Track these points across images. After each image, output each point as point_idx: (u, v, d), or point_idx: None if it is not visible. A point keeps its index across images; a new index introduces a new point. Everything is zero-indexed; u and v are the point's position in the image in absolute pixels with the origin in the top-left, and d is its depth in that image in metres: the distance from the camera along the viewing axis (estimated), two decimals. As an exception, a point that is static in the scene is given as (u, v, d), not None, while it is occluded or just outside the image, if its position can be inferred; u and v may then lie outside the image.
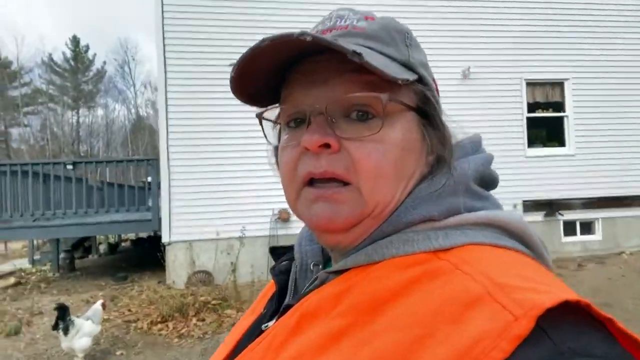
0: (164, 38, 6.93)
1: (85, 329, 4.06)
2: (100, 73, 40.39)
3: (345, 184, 0.47)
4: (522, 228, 0.47)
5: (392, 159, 0.47)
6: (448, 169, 0.49)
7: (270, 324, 0.51)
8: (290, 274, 0.59)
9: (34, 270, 9.23)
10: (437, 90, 0.54)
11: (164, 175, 6.91)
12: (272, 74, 0.50)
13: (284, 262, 0.63)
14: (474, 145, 0.55)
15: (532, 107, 8.17)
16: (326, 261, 0.58)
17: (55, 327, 4.01)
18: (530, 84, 8.15)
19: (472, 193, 0.50)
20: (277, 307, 0.56)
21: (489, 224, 0.46)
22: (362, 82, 0.47)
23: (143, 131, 40.24)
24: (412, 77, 0.48)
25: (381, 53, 0.48)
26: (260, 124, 0.54)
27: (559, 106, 8.27)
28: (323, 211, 0.48)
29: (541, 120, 8.30)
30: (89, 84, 40.06)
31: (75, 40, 39.63)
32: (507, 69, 7.93)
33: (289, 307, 0.49)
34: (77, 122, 39.20)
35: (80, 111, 39.36)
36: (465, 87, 7.67)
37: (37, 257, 10.37)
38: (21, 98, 36.10)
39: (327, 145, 0.47)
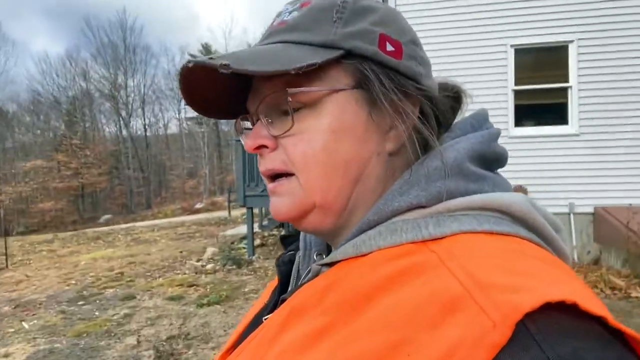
0: None
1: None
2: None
3: (290, 175, 0.49)
4: (525, 211, 0.43)
5: (319, 146, 0.47)
6: (439, 150, 0.47)
7: (270, 316, 0.51)
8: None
9: (265, 234, 10.52)
10: (401, 53, 0.48)
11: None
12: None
13: (289, 252, 0.63)
14: (477, 121, 0.52)
15: (524, 79, 6.56)
16: (330, 250, 0.57)
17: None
18: (521, 51, 6.51)
19: (467, 174, 0.46)
20: (277, 298, 0.56)
21: (486, 208, 0.43)
22: (281, 81, 0.46)
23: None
24: (323, 58, 0.45)
25: (299, 43, 0.47)
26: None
27: (561, 77, 6.44)
28: (272, 203, 0.51)
29: (536, 94, 6.59)
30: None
31: (269, 30, 43.73)
32: (488, 34, 6.51)
33: (284, 300, 0.49)
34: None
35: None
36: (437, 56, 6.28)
37: (265, 222, 11.80)
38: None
39: (265, 146, 0.49)
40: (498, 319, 0.32)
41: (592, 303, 0.34)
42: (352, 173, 0.48)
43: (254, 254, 7.86)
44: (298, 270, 0.58)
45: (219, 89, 0.50)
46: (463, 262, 0.38)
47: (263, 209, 12.10)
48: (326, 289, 0.43)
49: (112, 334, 4.69)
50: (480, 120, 0.53)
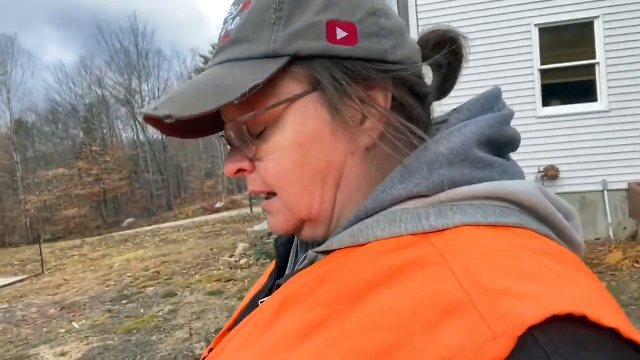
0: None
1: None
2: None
3: (275, 194, 0.48)
4: (534, 200, 0.41)
5: (288, 163, 0.45)
6: (447, 136, 0.43)
7: (266, 300, 0.50)
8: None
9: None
10: (356, 36, 0.44)
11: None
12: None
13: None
14: (489, 102, 0.48)
15: (550, 58, 6.46)
16: None
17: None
18: (545, 30, 6.43)
19: (474, 161, 0.43)
20: (274, 282, 0.54)
21: (492, 197, 0.41)
22: (235, 108, 0.45)
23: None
24: (266, 74, 0.42)
25: (243, 59, 0.44)
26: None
27: (587, 54, 6.32)
28: (268, 221, 0.51)
29: (563, 72, 6.50)
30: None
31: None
32: (512, 15, 6.40)
33: (279, 285, 0.48)
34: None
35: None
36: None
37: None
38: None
39: (244, 169, 0.48)
40: (499, 331, 0.30)
41: (604, 311, 0.32)
42: (330, 180, 0.46)
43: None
44: (297, 254, 0.57)
45: (187, 122, 0.47)
46: (465, 261, 0.35)
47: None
48: (321, 279, 0.41)
49: (162, 329, 4.83)
50: (492, 100, 0.49)
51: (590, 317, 0.31)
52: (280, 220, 0.49)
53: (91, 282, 8.05)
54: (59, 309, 6.37)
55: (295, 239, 0.58)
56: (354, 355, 0.33)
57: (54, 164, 31.81)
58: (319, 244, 0.48)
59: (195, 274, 7.33)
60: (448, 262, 0.35)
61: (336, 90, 0.43)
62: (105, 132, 35.70)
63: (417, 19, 6.71)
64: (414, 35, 0.50)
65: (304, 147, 0.45)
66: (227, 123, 0.48)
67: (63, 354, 4.54)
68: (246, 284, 6.21)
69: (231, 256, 8.18)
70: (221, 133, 0.51)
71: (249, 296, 0.60)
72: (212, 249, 9.44)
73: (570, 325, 0.31)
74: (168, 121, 0.41)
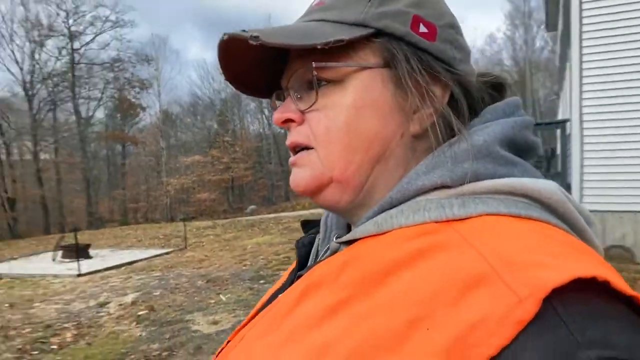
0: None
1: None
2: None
3: (310, 149, 0.49)
4: (555, 199, 0.41)
5: (341, 121, 0.47)
6: (471, 133, 0.45)
7: (285, 292, 0.50)
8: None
9: None
10: (435, 36, 0.47)
11: (576, 139, 6.43)
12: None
13: (309, 235, 0.61)
14: (509, 107, 0.50)
15: None
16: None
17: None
18: None
19: (497, 158, 0.45)
20: (294, 277, 0.54)
21: (514, 193, 0.41)
22: (311, 57, 0.47)
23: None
24: (351, 35, 0.45)
25: (334, 21, 0.48)
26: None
27: None
28: (292, 175, 0.51)
29: None
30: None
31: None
32: None
33: (301, 277, 0.48)
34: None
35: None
36: None
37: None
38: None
39: (292, 120, 0.50)
40: (524, 294, 0.31)
41: (623, 282, 0.33)
42: (373, 151, 0.47)
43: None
44: (317, 252, 0.58)
45: (256, 65, 0.51)
46: (487, 240, 0.37)
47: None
48: (344, 265, 0.42)
49: (300, 312, 5.09)
50: (513, 107, 0.50)
51: (612, 283, 0.32)
52: (306, 175, 0.49)
53: (229, 260, 8.78)
54: (205, 281, 7.06)
55: (317, 240, 0.60)
56: (380, 329, 0.34)
57: (192, 152, 35.26)
58: (339, 235, 0.52)
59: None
60: (470, 242, 0.37)
61: (406, 73, 0.46)
62: (235, 124, 38.62)
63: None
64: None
65: (360, 112, 0.47)
66: (295, 70, 0.49)
67: (215, 322, 5.02)
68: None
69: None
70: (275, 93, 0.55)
71: (268, 294, 0.61)
72: (336, 241, 9.68)
73: (588, 294, 0.32)
74: (253, 42, 0.43)
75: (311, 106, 0.48)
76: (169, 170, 33.67)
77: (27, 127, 25.70)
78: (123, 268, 9.26)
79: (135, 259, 10.22)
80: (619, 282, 0.33)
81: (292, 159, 0.51)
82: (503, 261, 0.34)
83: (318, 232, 0.61)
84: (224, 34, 0.45)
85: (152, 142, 34.26)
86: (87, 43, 30.32)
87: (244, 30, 0.44)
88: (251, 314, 0.57)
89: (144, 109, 34.99)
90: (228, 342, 0.56)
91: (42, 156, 27.28)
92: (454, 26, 0.50)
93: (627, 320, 0.32)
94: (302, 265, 0.58)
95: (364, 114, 0.47)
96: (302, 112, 0.49)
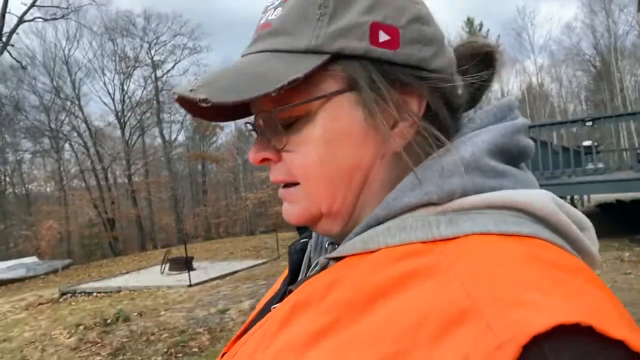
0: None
1: None
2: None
3: (297, 184, 0.48)
4: (546, 210, 0.40)
5: (315, 158, 0.45)
6: (458, 144, 0.43)
7: (278, 305, 0.49)
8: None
9: None
10: (398, 41, 0.44)
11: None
12: None
13: (302, 240, 0.60)
14: (501, 111, 0.48)
15: None
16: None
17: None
18: None
19: (485, 170, 0.42)
20: (286, 288, 0.54)
21: (504, 206, 0.40)
22: (270, 98, 0.43)
23: (539, 98, 38.90)
24: (306, 69, 0.42)
25: (283, 51, 0.44)
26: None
27: None
28: (283, 209, 0.50)
29: None
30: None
31: (469, 22, 42.13)
32: None
33: (291, 291, 0.47)
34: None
35: (477, 88, 41.62)
36: None
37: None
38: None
39: (269, 159, 0.48)
40: (505, 339, 0.29)
41: (612, 322, 0.31)
42: (355, 180, 0.46)
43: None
44: (309, 260, 0.57)
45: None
46: (473, 270, 0.35)
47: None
48: (330, 286, 0.41)
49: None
50: (505, 110, 0.48)
51: (596, 328, 0.30)
52: (297, 210, 0.48)
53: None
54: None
55: (309, 247, 0.58)
56: None
57: (267, 167, 36.45)
58: (334, 247, 0.50)
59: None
60: (456, 270, 0.35)
61: (372, 92, 0.44)
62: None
63: None
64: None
65: (332, 145, 0.45)
66: (259, 112, 0.48)
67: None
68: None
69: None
70: (246, 120, 0.52)
71: (262, 302, 0.60)
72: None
73: (576, 336, 0.30)
74: (203, 105, 0.41)
75: (283, 147, 0.47)
76: (247, 185, 34.96)
77: (121, 153, 27.99)
78: (227, 278, 9.79)
79: (235, 269, 10.78)
80: (607, 322, 0.30)
81: (280, 193, 0.50)
82: (487, 297, 0.32)
83: (311, 235, 0.59)
84: (174, 93, 0.45)
85: (229, 159, 35.82)
86: (168, 71, 32.68)
87: (191, 90, 0.43)
88: (246, 323, 0.56)
89: (221, 128, 36.75)
90: (224, 354, 0.55)
91: (135, 178, 29.51)
92: (419, 18, 0.46)
93: None
94: (294, 274, 0.57)
95: (337, 145, 0.45)
96: (277, 150, 0.48)
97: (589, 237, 0.44)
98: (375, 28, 0.44)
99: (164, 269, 11.40)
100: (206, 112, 0.49)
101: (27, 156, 30.03)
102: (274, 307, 0.50)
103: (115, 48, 30.35)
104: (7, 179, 29.08)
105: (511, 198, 0.40)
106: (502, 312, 0.31)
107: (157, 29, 31.33)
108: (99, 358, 5.21)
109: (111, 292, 9.84)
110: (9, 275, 16.04)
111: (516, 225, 0.39)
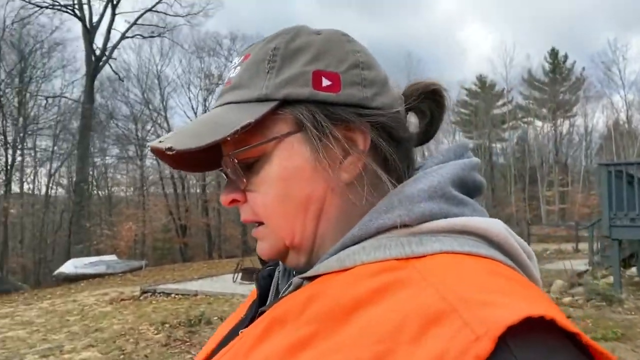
0: None
1: None
2: (579, 80, 39.45)
3: (262, 223, 0.52)
4: (501, 237, 0.45)
5: (273, 195, 0.49)
6: (425, 175, 0.49)
7: (248, 328, 0.50)
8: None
9: (597, 276, 9.23)
10: (339, 85, 0.49)
11: None
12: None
13: (269, 267, 0.62)
14: (460, 150, 0.54)
15: None
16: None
17: None
18: None
19: (449, 198, 0.48)
20: (255, 312, 0.54)
21: (466, 232, 0.45)
22: (230, 143, 0.50)
23: (627, 136, 36.27)
24: (257, 114, 0.47)
25: (239, 102, 0.50)
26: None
27: None
28: (257, 246, 0.54)
29: None
30: (566, 93, 39.94)
31: (553, 53, 40.57)
32: None
33: (263, 312, 0.48)
34: (555, 132, 39.75)
35: (558, 122, 39.72)
36: None
37: (597, 259, 10.51)
38: (503, 115, 40.20)
39: (237, 200, 0.52)
40: (481, 332, 0.32)
41: (568, 322, 0.35)
42: (310, 212, 0.49)
43: (621, 291, 7.00)
44: (277, 286, 0.59)
45: (191, 156, 0.52)
46: (444, 278, 0.39)
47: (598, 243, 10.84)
48: (308, 300, 0.43)
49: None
50: (462, 149, 0.54)
51: (558, 322, 0.34)
52: (266, 246, 0.52)
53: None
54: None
55: (276, 273, 0.60)
56: None
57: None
58: (302, 272, 0.50)
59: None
60: (429, 280, 0.39)
61: (317, 131, 0.48)
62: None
63: None
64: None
65: (288, 181, 0.49)
66: (223, 157, 0.51)
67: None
68: (590, 324, 5.68)
69: (547, 292, 7.68)
70: (221, 167, 0.55)
71: (225, 328, 0.59)
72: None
73: (538, 331, 0.34)
74: (169, 153, 0.46)
75: (245, 187, 0.51)
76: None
77: (197, 164, 29.41)
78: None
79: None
80: (562, 319, 0.35)
81: (252, 232, 0.55)
82: (460, 299, 0.36)
83: (277, 263, 0.61)
84: (148, 146, 0.52)
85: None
86: (247, 89, 33.92)
87: (160, 142, 0.49)
88: (208, 349, 0.56)
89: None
90: None
91: (207, 190, 30.77)
92: (359, 64, 0.51)
93: (573, 355, 0.35)
94: (262, 299, 0.58)
95: (291, 182, 0.49)
96: (242, 192, 0.52)
97: (534, 265, 0.48)
98: (317, 75, 0.49)
99: (237, 277, 11.67)
100: (182, 161, 0.55)
101: (113, 161, 32.33)
102: (242, 332, 0.51)
103: (202, 66, 32.20)
104: (94, 182, 31.39)
105: (472, 224, 0.45)
106: (476, 310, 0.34)
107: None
108: (189, 356, 5.36)
109: (188, 294, 10.22)
110: (91, 271, 17.20)
111: (476, 247, 0.44)
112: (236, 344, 0.48)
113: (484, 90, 41.50)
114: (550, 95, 39.46)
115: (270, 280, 0.60)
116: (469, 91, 42.12)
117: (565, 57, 40.42)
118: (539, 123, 40.76)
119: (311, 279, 0.47)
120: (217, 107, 0.53)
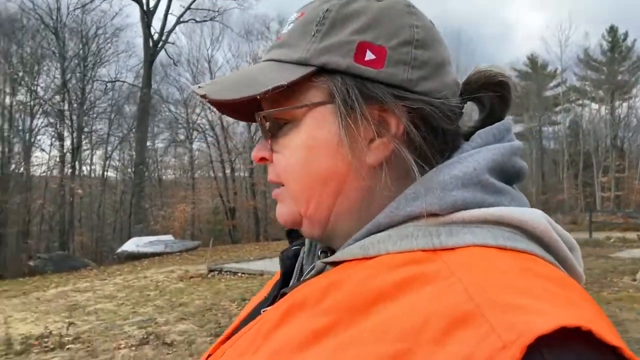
0: None
1: None
2: (640, 59, 37.19)
3: (283, 185, 0.51)
4: (541, 229, 0.41)
5: (296, 161, 0.48)
6: (460, 160, 0.45)
7: (269, 308, 0.49)
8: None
9: None
10: (384, 61, 0.45)
11: None
12: None
13: (294, 247, 0.61)
14: (500, 132, 0.49)
15: None
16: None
17: None
18: None
19: (485, 186, 0.44)
20: (277, 292, 0.54)
21: (501, 222, 0.41)
22: (266, 101, 0.49)
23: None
24: (292, 77, 0.46)
25: (283, 61, 0.49)
26: None
27: None
28: (277, 208, 0.53)
29: None
30: (625, 74, 37.82)
31: (612, 31, 38.35)
32: None
33: (285, 294, 0.48)
34: (612, 115, 37.82)
35: (615, 104, 37.75)
36: None
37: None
38: (555, 97, 38.56)
39: (265, 158, 0.52)
40: (509, 340, 0.30)
41: (607, 331, 0.32)
42: (329, 188, 0.48)
43: None
44: (302, 266, 0.57)
45: (235, 103, 0.50)
46: (475, 277, 0.36)
47: None
48: (329, 288, 0.42)
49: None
50: (503, 131, 0.49)
51: (595, 333, 0.31)
52: (283, 210, 0.52)
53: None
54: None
55: (301, 253, 0.59)
56: None
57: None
58: (326, 255, 0.51)
59: (598, 291, 6.94)
60: (458, 277, 0.36)
61: (346, 106, 0.45)
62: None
63: None
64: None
65: (311, 150, 0.47)
66: (257, 113, 0.50)
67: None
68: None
69: (634, 280, 7.42)
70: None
71: (249, 306, 0.60)
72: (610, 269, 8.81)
73: (575, 340, 0.31)
74: (203, 100, 0.48)
75: (272, 148, 0.51)
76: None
77: (246, 147, 29.84)
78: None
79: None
80: (601, 329, 0.32)
81: (272, 193, 0.54)
82: (489, 301, 0.33)
83: (303, 243, 0.60)
84: (191, 90, 0.51)
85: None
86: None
87: (199, 87, 0.49)
88: (232, 326, 0.56)
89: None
90: (209, 355, 0.54)
91: (255, 173, 31.27)
92: (411, 41, 0.47)
93: None
94: (286, 279, 0.58)
95: (315, 152, 0.48)
96: (271, 151, 0.51)
97: (576, 258, 0.45)
98: (362, 47, 0.46)
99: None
100: (227, 109, 0.55)
101: (165, 144, 33.30)
102: (264, 311, 0.51)
103: (250, 50, 32.43)
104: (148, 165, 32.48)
105: (509, 215, 0.42)
106: (504, 315, 0.32)
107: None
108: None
109: (254, 274, 10.47)
110: (150, 250, 17.90)
111: (512, 240, 0.41)
112: (257, 324, 0.48)
113: (536, 70, 39.86)
114: (608, 75, 37.48)
115: (295, 260, 0.59)
116: (520, 72, 40.54)
117: (626, 35, 38.10)
118: (594, 105, 38.89)
119: (334, 264, 0.46)
120: (263, 61, 0.52)
